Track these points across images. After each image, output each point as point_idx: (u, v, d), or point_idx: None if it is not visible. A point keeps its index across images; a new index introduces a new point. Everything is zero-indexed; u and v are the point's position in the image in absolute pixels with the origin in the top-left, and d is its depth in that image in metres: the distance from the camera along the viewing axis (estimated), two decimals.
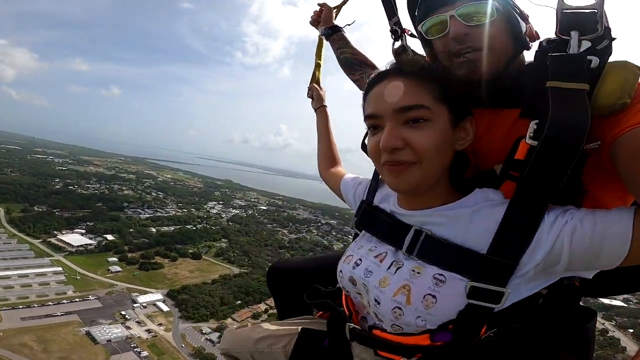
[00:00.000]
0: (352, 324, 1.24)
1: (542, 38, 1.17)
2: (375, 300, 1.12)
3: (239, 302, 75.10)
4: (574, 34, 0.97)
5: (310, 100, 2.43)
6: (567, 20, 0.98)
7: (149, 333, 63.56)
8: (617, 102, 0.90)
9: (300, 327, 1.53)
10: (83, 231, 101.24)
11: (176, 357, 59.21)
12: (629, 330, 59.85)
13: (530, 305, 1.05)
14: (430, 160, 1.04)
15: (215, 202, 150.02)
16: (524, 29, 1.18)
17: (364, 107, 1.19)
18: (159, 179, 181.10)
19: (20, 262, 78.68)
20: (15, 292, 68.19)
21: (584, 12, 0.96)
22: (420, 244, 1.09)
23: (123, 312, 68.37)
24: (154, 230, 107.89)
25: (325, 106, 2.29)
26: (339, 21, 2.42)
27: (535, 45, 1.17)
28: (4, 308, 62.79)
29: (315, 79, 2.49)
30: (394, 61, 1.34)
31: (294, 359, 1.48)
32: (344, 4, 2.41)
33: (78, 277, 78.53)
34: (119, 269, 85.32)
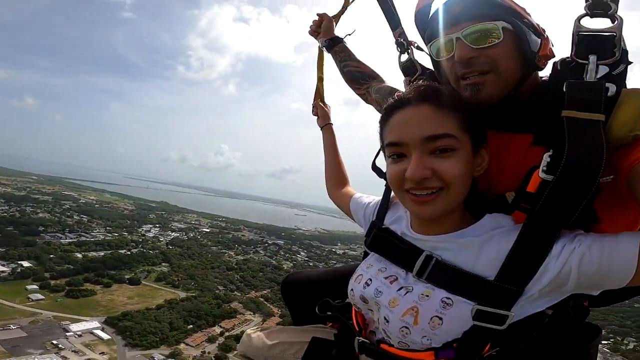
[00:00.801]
0: (361, 338, 1.31)
1: (556, 56, 1.16)
2: (385, 319, 1.18)
3: (191, 326, 70.76)
4: (592, 59, 0.96)
5: (315, 118, 2.39)
6: (585, 43, 0.97)
7: None
8: (629, 135, 0.91)
9: (312, 336, 1.61)
10: None
11: None
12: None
13: (534, 325, 1.08)
14: (456, 189, 1.06)
15: (151, 225, 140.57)
16: (536, 47, 1.14)
17: (383, 133, 1.19)
18: (80, 201, 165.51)
19: None
20: None
21: (602, 35, 0.96)
22: (430, 269, 1.12)
23: (54, 342, 59.97)
24: (79, 255, 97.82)
25: (331, 124, 2.27)
26: (338, 31, 2.31)
27: (549, 64, 1.17)
28: None
29: (319, 95, 2.41)
30: (412, 84, 1.39)
31: None
32: (342, 13, 2.33)
33: None
34: (41, 297, 75.27)
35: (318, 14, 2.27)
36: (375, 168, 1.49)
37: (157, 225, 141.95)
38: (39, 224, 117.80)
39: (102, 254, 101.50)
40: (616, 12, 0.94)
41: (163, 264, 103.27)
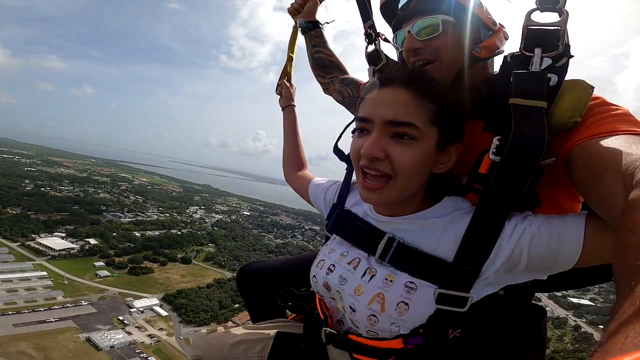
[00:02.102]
0: (327, 329, 1.24)
1: (506, 52, 1.20)
2: (351, 308, 1.13)
3: (237, 305, 72.27)
4: (537, 51, 0.99)
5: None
6: (532, 36, 1.01)
7: (151, 338, 59.42)
8: (569, 121, 0.95)
9: (276, 331, 1.50)
10: (63, 235, 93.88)
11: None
12: (600, 326, 63.76)
13: (489, 306, 1.08)
14: (405, 178, 1.03)
15: (197, 207, 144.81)
16: (482, 40, 1.18)
17: (358, 107, 1.15)
18: (135, 182, 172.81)
19: (1, 267, 71.21)
20: (1, 298, 61.43)
21: (548, 29, 0.99)
22: (393, 252, 1.10)
23: (120, 318, 63.50)
24: (137, 234, 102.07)
25: (294, 105, 2.09)
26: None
27: (499, 58, 1.22)
28: None
29: (286, 74, 2.23)
30: (376, 73, 1.40)
31: None
32: None
33: (66, 282, 72.28)
34: (107, 273, 79.52)
35: None
36: (336, 151, 1.47)
37: (202, 207, 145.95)
38: (101, 203, 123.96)
39: (157, 233, 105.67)
40: (564, 7, 0.98)
41: (210, 244, 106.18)
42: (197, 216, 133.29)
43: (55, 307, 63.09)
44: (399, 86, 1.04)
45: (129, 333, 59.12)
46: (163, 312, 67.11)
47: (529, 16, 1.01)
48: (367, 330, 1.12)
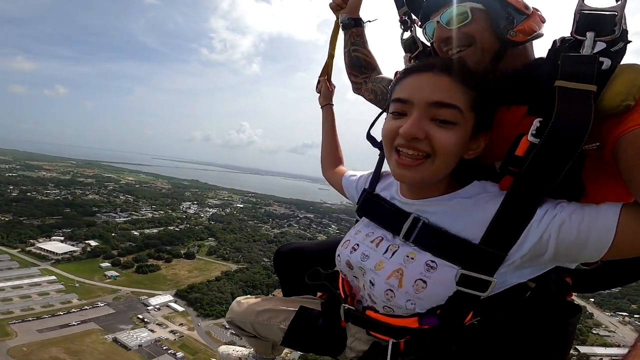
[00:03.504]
0: (347, 305, 1.25)
1: (540, 33, 1.17)
2: (370, 282, 1.13)
3: (248, 295, 72.12)
4: (590, 35, 0.93)
5: (318, 95, 2.15)
6: (585, 20, 0.94)
7: (174, 334, 58.46)
8: (620, 104, 0.87)
9: (299, 305, 1.54)
10: (62, 238, 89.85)
11: (211, 354, 55.13)
12: (591, 299, 67.73)
13: (515, 297, 1.04)
14: (442, 161, 1.01)
15: (189, 203, 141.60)
16: (516, 24, 1.14)
17: (394, 90, 1.10)
18: (121, 182, 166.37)
19: (8, 274, 67.50)
20: (17, 304, 58.56)
21: (604, 13, 0.93)
22: (417, 231, 1.07)
23: (140, 316, 62.09)
24: (136, 233, 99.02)
25: (332, 104, 2.07)
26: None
27: (539, 42, 1.18)
28: (15, 321, 53.78)
29: (326, 72, 2.17)
30: (414, 59, 1.43)
31: (290, 334, 1.51)
32: None
33: (77, 285, 69.52)
34: (115, 273, 76.99)
35: None
36: (370, 137, 1.43)
37: (195, 203, 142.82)
38: (91, 204, 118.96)
39: (156, 231, 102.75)
40: None
41: (210, 238, 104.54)
42: (192, 211, 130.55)
43: (73, 310, 60.88)
44: (439, 72, 1.01)
45: (152, 331, 57.97)
46: (179, 308, 66.05)
47: (582, 1, 0.95)
48: (383, 306, 1.11)
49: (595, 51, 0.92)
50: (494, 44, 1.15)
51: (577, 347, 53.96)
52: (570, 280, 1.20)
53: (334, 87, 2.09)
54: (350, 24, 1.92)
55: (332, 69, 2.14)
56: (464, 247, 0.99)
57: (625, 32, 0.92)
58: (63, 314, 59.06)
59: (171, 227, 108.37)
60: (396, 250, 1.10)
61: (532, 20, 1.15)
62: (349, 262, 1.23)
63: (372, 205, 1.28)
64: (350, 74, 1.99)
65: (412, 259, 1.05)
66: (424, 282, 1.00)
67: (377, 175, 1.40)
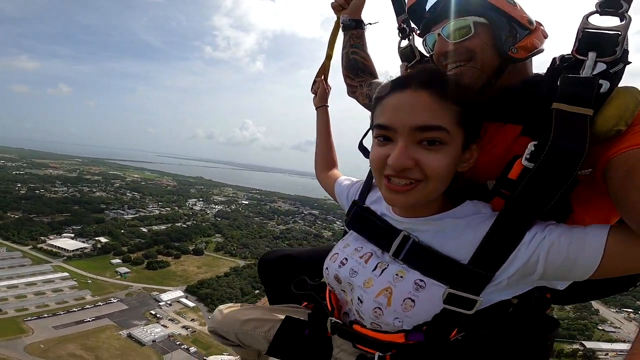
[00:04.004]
0: (333, 319, 1.23)
1: (541, 49, 1.14)
2: (359, 299, 1.11)
3: (258, 290, 71.97)
4: (592, 55, 0.90)
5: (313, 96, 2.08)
6: (588, 40, 0.92)
7: (186, 329, 58.28)
8: (612, 129, 0.86)
9: (285, 315, 1.49)
10: (72, 235, 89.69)
11: (222, 348, 54.73)
12: None
13: (499, 313, 1.03)
14: (435, 184, 0.96)
15: (195, 200, 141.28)
16: (519, 40, 1.10)
17: (375, 112, 1.04)
18: (127, 179, 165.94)
19: (21, 271, 67.48)
20: (31, 301, 58.44)
21: (607, 33, 0.90)
22: (407, 249, 1.05)
23: (152, 312, 61.93)
24: (144, 230, 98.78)
25: (328, 106, 2.00)
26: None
27: (536, 58, 1.16)
28: (30, 318, 53.59)
29: (323, 72, 2.07)
30: (411, 68, 1.35)
31: (275, 345, 1.46)
32: None
33: (89, 281, 69.37)
34: (126, 270, 76.83)
35: None
36: (361, 148, 1.38)
37: (201, 199, 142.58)
38: (99, 202, 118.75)
39: (164, 227, 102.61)
40: (627, 12, 0.89)
41: (217, 235, 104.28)
42: (198, 208, 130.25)
43: (87, 306, 60.82)
44: (418, 88, 0.94)
45: (165, 326, 57.84)
46: (190, 304, 65.85)
47: (587, 19, 0.92)
48: (371, 322, 1.09)
49: (595, 72, 0.90)
50: (494, 60, 1.11)
51: (583, 342, 54.45)
52: (550, 295, 1.19)
53: (330, 88, 2.00)
54: (351, 25, 1.85)
55: (329, 70, 2.05)
56: (452, 267, 0.97)
57: (626, 53, 0.90)
58: (77, 310, 58.92)
59: (178, 224, 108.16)
60: (385, 268, 1.08)
61: (534, 36, 1.12)
62: (337, 276, 1.21)
63: (362, 219, 1.23)
64: (347, 76, 1.92)
65: (402, 277, 1.03)
66: (413, 301, 0.99)
67: (367, 187, 1.36)
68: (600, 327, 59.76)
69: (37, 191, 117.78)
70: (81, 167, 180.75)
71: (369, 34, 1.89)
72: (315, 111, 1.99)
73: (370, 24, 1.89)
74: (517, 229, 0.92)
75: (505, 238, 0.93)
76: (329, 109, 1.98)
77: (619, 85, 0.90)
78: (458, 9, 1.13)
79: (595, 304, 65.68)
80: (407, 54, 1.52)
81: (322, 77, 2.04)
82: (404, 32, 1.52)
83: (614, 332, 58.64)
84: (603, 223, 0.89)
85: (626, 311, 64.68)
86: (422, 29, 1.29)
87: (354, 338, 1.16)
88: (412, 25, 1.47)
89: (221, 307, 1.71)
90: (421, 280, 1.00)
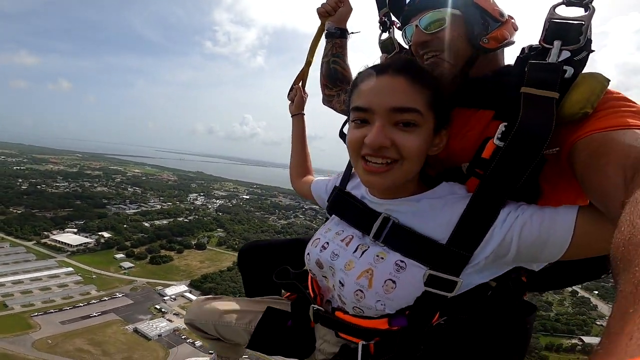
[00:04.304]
0: (316, 306, 1.21)
1: (511, 40, 1.18)
2: (340, 282, 1.10)
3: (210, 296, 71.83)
4: (557, 43, 0.94)
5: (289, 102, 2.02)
6: (554, 29, 0.96)
7: None
8: (579, 112, 0.89)
9: (266, 306, 1.45)
10: (75, 230, 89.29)
11: None
12: (594, 291, 68.88)
13: (479, 297, 1.04)
14: (410, 164, 0.99)
15: (196, 194, 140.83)
16: (490, 31, 1.14)
17: (352, 97, 1.07)
18: (128, 174, 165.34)
19: (26, 266, 67.12)
20: (37, 297, 58.15)
21: (571, 23, 0.94)
22: (387, 231, 1.06)
23: (157, 306, 61.74)
24: (147, 224, 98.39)
25: (304, 114, 1.96)
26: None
27: (508, 49, 1.20)
28: (37, 314, 53.39)
29: (301, 79, 2.02)
30: (387, 57, 1.39)
31: (257, 336, 1.42)
32: None
33: (94, 276, 69.09)
34: (130, 265, 76.59)
35: None
36: (342, 135, 1.37)
37: (202, 194, 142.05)
38: (101, 197, 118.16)
39: (166, 222, 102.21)
40: (591, 2, 0.93)
41: (219, 229, 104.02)
42: (199, 203, 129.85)
43: (93, 301, 60.56)
44: (395, 74, 0.98)
45: (170, 320, 57.58)
46: (194, 298, 65.58)
47: (554, 10, 0.96)
48: (353, 307, 1.08)
49: (560, 59, 0.94)
50: (467, 51, 1.15)
51: (581, 337, 54.94)
52: (525, 279, 1.22)
53: (307, 95, 1.97)
54: (336, 34, 1.85)
55: (307, 77, 2.00)
56: (431, 247, 0.98)
57: (589, 42, 0.94)
58: (83, 305, 58.74)
59: (180, 219, 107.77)
60: (366, 250, 1.08)
61: (504, 28, 1.16)
62: (318, 261, 1.19)
63: (342, 203, 1.24)
64: (325, 85, 1.92)
65: (382, 258, 1.03)
66: (394, 282, 0.99)
67: (348, 174, 1.36)
68: (598, 323, 59.85)
69: (38, 186, 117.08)
70: (81, 162, 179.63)
71: (350, 42, 1.89)
72: (291, 119, 1.92)
73: (352, 32, 1.87)
74: (491, 206, 0.94)
75: (481, 216, 0.95)
76: (304, 117, 1.92)
77: (584, 72, 0.94)
78: (434, 2, 1.16)
79: (594, 300, 66.33)
80: (387, 46, 1.55)
81: (300, 84, 1.96)
82: (384, 25, 1.55)
83: None
84: (572, 204, 0.92)
85: None
86: (402, 21, 1.32)
87: (336, 325, 1.15)
88: (393, 18, 1.52)
89: (199, 298, 1.66)
90: (402, 261, 1.01)
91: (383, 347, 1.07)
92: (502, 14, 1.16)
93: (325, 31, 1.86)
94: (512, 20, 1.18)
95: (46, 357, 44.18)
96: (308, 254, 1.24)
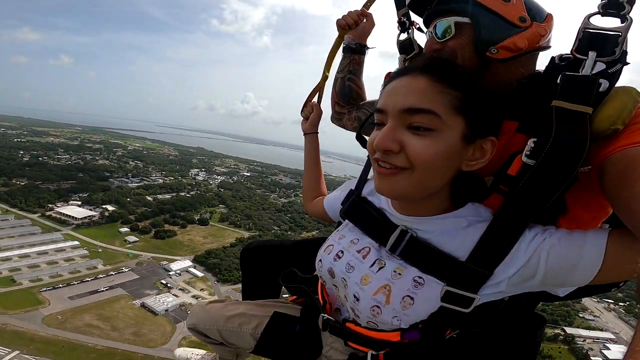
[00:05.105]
0: (326, 315, 1.15)
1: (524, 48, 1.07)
2: (355, 297, 1.03)
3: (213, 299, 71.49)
4: (592, 55, 0.88)
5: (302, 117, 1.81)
6: (588, 39, 0.89)
7: (196, 299, 57.50)
8: (609, 128, 0.84)
9: (273, 311, 1.39)
10: (79, 202, 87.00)
11: None
12: None
13: (491, 311, 0.99)
14: (423, 173, 0.87)
15: (197, 170, 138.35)
16: (504, 39, 1.01)
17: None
18: (129, 148, 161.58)
19: (32, 239, 65.29)
20: (45, 271, 56.72)
21: (607, 34, 0.88)
22: (404, 245, 0.98)
23: (163, 281, 60.98)
24: (150, 198, 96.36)
25: (318, 132, 1.76)
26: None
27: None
28: (46, 289, 52.22)
29: (315, 94, 1.81)
30: (409, 61, 1.31)
31: (263, 342, 1.36)
32: (367, 8, 1.70)
33: (100, 250, 67.80)
34: (135, 239, 75.27)
35: (363, 10, 1.69)
36: (359, 138, 1.30)
37: (203, 170, 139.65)
38: (103, 169, 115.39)
39: (168, 196, 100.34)
40: (629, 13, 0.87)
41: (220, 205, 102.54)
42: (200, 178, 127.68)
43: (100, 276, 59.39)
44: (418, 73, 0.89)
45: (176, 296, 57.07)
46: (199, 273, 65.01)
47: (588, 19, 0.90)
48: (367, 321, 1.02)
49: (594, 71, 0.88)
50: (473, 60, 1.06)
51: (564, 327, 55.73)
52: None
53: (322, 112, 1.78)
54: (355, 49, 1.73)
55: (323, 91, 1.81)
56: (450, 263, 0.92)
57: (624, 54, 0.89)
58: (91, 280, 57.66)
59: (182, 193, 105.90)
60: (383, 264, 1.00)
61: (525, 35, 1.01)
62: (331, 270, 1.11)
63: (358, 209, 1.14)
64: (337, 102, 1.79)
65: (400, 274, 0.97)
66: (412, 298, 0.94)
67: (364, 177, 1.28)
68: (581, 315, 61.07)
69: (40, 158, 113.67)
70: (82, 135, 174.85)
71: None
72: (304, 137, 1.74)
73: (369, 48, 1.76)
74: (516, 225, 0.88)
75: (504, 234, 0.89)
76: (319, 135, 1.76)
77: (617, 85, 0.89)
78: (445, 8, 1.09)
79: None
80: (406, 47, 1.46)
81: (316, 99, 1.80)
82: (403, 26, 1.46)
83: (593, 320, 60.03)
84: (595, 220, 0.88)
85: (607, 301, 65.84)
86: (424, 22, 1.23)
87: (346, 335, 1.09)
88: (412, 19, 1.43)
89: (203, 302, 1.59)
90: (420, 277, 0.95)
91: (392, 357, 1.02)
92: (523, 19, 1.01)
93: (344, 45, 1.72)
94: (540, 26, 1.02)
95: (57, 334, 43.39)
96: (320, 260, 1.16)
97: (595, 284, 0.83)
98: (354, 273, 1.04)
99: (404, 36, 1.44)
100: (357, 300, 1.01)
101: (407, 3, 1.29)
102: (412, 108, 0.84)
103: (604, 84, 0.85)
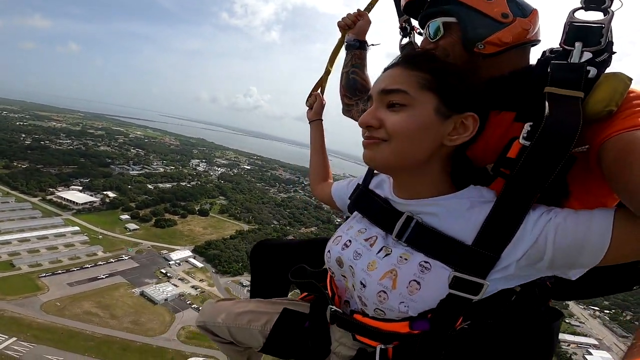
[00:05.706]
0: (333, 307, 1.13)
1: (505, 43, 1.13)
2: (362, 283, 1.03)
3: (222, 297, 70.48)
4: (578, 45, 0.93)
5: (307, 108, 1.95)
6: (574, 32, 0.94)
7: (195, 289, 56.58)
8: (604, 110, 0.87)
9: (282, 307, 1.39)
10: (80, 188, 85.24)
11: None
12: None
13: (503, 301, 0.97)
14: (399, 141, 0.94)
15: (198, 160, 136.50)
16: (487, 36, 1.07)
17: None
18: (131, 136, 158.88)
19: (32, 223, 63.65)
20: (45, 257, 55.28)
21: (591, 26, 0.93)
22: (410, 231, 0.99)
23: (163, 270, 59.78)
24: (150, 187, 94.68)
25: (322, 120, 1.88)
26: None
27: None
28: (44, 274, 50.80)
29: (320, 86, 1.99)
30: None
31: (272, 339, 1.35)
32: (369, 11, 1.89)
33: (100, 237, 66.30)
34: (136, 226, 73.77)
35: (359, 11, 1.88)
36: None
37: (204, 160, 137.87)
38: (105, 156, 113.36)
39: (169, 185, 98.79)
40: (609, 7, 0.92)
41: (220, 197, 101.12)
42: (201, 169, 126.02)
43: (100, 263, 58.10)
44: (395, 65, 1.01)
45: (175, 285, 55.93)
46: (199, 264, 63.85)
47: (573, 14, 0.95)
48: (374, 309, 1.00)
49: (582, 60, 0.92)
50: (464, 57, 1.11)
51: None
52: (550, 284, 1.15)
53: (325, 102, 1.92)
54: (355, 45, 1.86)
55: (326, 85, 2.01)
56: (456, 247, 0.92)
57: (610, 44, 0.93)
58: (90, 266, 56.32)
59: (183, 183, 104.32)
60: (390, 251, 1.01)
61: (508, 30, 1.07)
62: (339, 259, 1.12)
63: (365, 200, 1.17)
64: (344, 95, 1.90)
65: (406, 259, 0.97)
66: (418, 283, 0.93)
67: (371, 172, 1.30)
68: (567, 321, 61.11)
69: (42, 142, 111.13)
70: (84, 122, 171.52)
71: (370, 55, 1.91)
72: (309, 125, 1.87)
73: (372, 45, 1.89)
74: (519, 206, 0.88)
75: (509, 215, 0.88)
76: (322, 122, 1.87)
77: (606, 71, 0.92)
78: (433, 10, 1.15)
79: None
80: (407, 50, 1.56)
81: (319, 91, 1.96)
82: (405, 31, 1.56)
83: (578, 326, 60.07)
84: (600, 206, 0.88)
85: (592, 309, 65.90)
86: (420, 24, 1.28)
87: (354, 328, 1.07)
88: (413, 24, 1.53)
89: (211, 300, 1.58)
90: (426, 262, 0.95)
91: (402, 351, 1.00)
92: (505, 15, 1.07)
93: (345, 43, 1.89)
94: (522, 21, 1.07)
95: (55, 321, 42.15)
96: (329, 251, 1.17)
97: (606, 264, 0.83)
98: (361, 260, 1.04)
99: (405, 41, 1.55)
100: (364, 286, 1.01)
101: (401, 7, 1.33)
102: (385, 89, 0.95)
103: (593, 71, 0.90)
